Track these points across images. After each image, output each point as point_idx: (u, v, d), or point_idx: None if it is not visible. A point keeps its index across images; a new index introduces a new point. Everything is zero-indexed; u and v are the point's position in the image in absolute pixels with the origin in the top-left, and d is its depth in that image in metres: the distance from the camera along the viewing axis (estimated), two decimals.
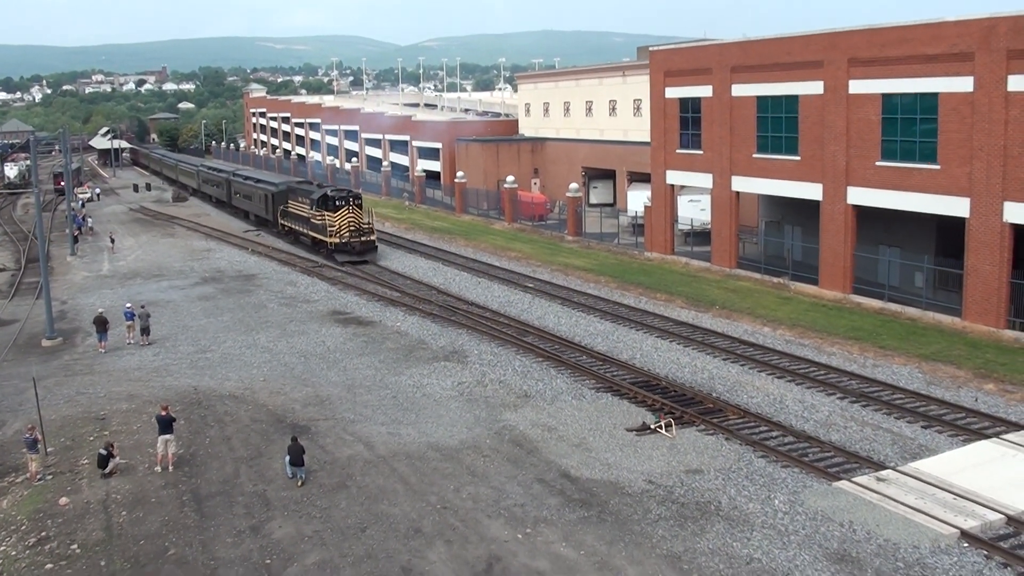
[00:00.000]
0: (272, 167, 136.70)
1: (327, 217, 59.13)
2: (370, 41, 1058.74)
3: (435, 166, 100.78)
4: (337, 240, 58.63)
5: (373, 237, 60.22)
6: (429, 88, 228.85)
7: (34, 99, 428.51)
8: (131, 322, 41.01)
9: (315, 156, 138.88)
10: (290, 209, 67.33)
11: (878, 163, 42.44)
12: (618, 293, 48.42)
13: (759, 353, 36.42)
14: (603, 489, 24.14)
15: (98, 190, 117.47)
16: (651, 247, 58.36)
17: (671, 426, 28.24)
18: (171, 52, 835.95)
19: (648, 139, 59.37)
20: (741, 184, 51.17)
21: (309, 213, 61.93)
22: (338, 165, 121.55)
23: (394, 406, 31.18)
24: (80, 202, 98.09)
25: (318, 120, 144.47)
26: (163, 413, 26.53)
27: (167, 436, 26.23)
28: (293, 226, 66.76)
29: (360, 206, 59.82)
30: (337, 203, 59.03)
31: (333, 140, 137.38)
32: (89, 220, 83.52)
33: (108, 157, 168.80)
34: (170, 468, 26.05)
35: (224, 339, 40.93)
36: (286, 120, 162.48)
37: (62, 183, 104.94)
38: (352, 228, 58.94)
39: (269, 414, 30.61)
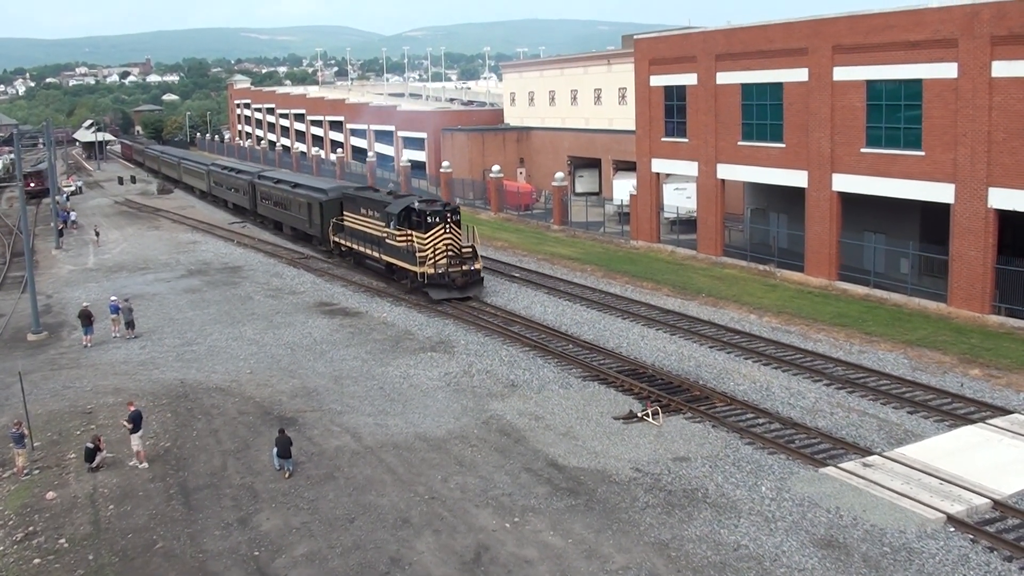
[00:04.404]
0: (308, 169, 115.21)
1: (415, 239, 44.54)
2: (355, 31, 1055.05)
3: (420, 156, 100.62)
4: (431, 271, 43.91)
5: (478, 265, 45.23)
6: (414, 78, 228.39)
7: (17, 92, 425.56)
8: (116, 316, 40.85)
9: (300, 147, 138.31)
10: (348, 223, 53.37)
11: (863, 150, 42.56)
12: (604, 282, 48.46)
13: (745, 340, 36.52)
14: (590, 477, 24.19)
15: (80, 183, 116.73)
16: (637, 235, 58.40)
17: (658, 414, 28.29)
18: (155, 44, 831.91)
19: (633, 128, 59.35)
20: (726, 172, 51.23)
21: (384, 231, 47.59)
22: (323, 156, 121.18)
23: (381, 397, 31.15)
24: (65, 196, 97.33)
25: (303, 111, 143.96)
26: (131, 409, 26.32)
27: (136, 433, 26.00)
28: (355, 246, 52.28)
29: (459, 223, 44.95)
30: (429, 219, 44.02)
31: (318, 131, 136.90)
32: (73, 214, 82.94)
33: (92, 150, 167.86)
34: (144, 463, 25.83)
35: (210, 331, 40.81)
36: (271, 111, 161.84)
37: (32, 184, 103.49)
38: (451, 254, 44.28)
39: (256, 406, 30.54)
